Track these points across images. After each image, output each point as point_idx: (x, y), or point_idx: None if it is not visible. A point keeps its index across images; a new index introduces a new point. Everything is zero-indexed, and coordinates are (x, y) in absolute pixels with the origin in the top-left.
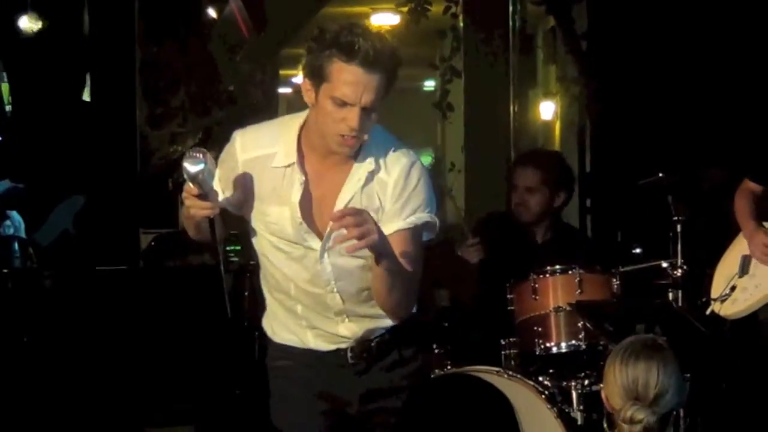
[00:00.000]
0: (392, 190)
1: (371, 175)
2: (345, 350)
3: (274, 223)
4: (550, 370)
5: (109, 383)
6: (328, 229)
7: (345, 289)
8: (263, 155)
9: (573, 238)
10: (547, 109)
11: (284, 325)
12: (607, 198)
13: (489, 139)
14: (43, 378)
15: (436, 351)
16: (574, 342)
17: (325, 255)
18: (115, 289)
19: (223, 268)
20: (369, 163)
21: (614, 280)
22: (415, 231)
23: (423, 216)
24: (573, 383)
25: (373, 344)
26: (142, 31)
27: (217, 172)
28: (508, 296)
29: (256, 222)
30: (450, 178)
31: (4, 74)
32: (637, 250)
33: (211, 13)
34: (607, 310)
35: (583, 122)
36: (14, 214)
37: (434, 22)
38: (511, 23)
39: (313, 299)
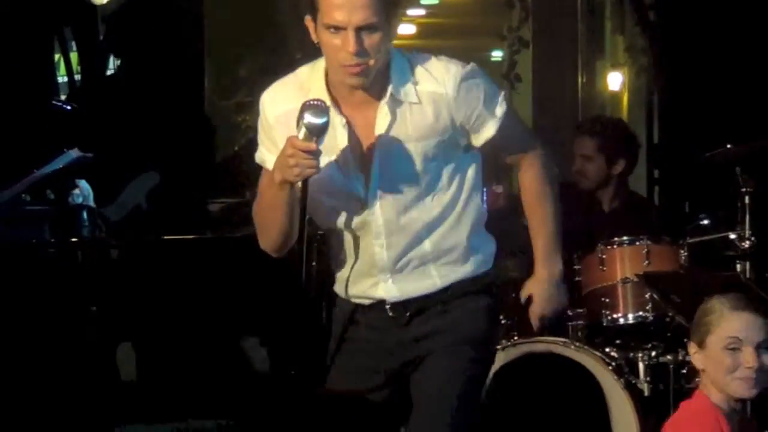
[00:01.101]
0: (461, 95)
1: (397, 100)
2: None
3: (321, 176)
4: (617, 342)
5: (170, 355)
6: (375, 170)
7: (396, 240)
8: (295, 107)
9: (641, 207)
10: (614, 80)
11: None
12: (675, 169)
13: (557, 110)
14: (109, 348)
15: (503, 322)
16: (641, 313)
17: (376, 202)
18: (183, 258)
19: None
20: (394, 91)
21: (682, 251)
22: (510, 113)
23: (503, 101)
24: (640, 355)
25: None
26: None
27: (266, 151)
28: (575, 267)
29: None
30: None
31: (73, 43)
32: (705, 222)
33: None
34: (674, 282)
35: (650, 93)
36: (83, 183)
37: None
38: None
39: (369, 253)
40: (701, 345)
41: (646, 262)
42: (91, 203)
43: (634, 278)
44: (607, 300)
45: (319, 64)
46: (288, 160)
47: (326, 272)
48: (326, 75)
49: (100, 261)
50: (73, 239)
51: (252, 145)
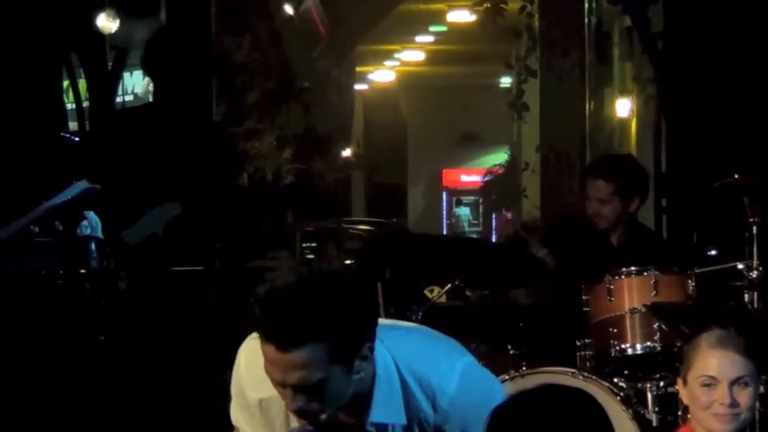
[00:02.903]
0: (455, 415)
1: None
2: None
3: None
4: (625, 372)
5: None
6: None
7: None
8: (268, 396)
9: (648, 240)
10: (623, 107)
11: None
12: (683, 198)
13: (564, 138)
14: (117, 377)
15: (512, 352)
16: (649, 343)
17: None
18: (192, 289)
19: None
20: (373, 414)
21: (690, 281)
22: None
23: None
24: (648, 385)
25: None
26: (218, 29)
27: (240, 415)
28: (584, 297)
29: None
30: (524, 178)
31: (81, 70)
32: (713, 252)
33: (288, 10)
34: (682, 312)
35: (658, 122)
36: (91, 214)
37: (510, 20)
38: (586, 21)
39: None
40: (684, 381)
41: (654, 292)
42: (99, 234)
43: (642, 308)
44: (615, 330)
45: None
46: None
47: None
48: None
49: (108, 291)
50: (81, 270)
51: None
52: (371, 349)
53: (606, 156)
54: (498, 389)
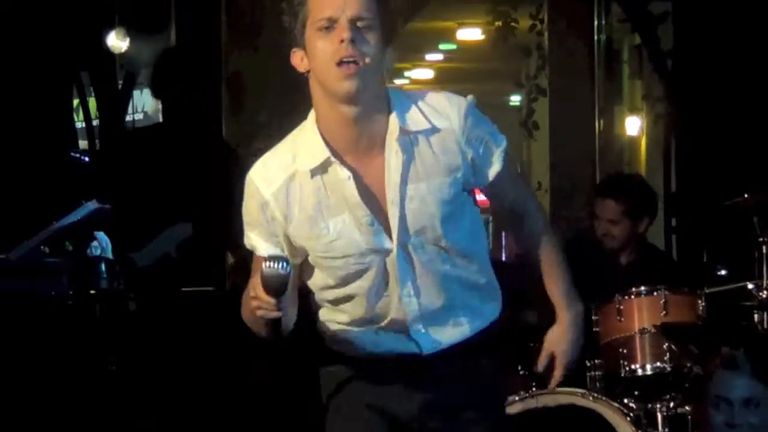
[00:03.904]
0: (468, 126)
1: (408, 134)
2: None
3: (334, 239)
4: (636, 392)
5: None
6: (395, 219)
7: (424, 288)
8: (290, 174)
9: (657, 259)
10: (632, 125)
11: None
12: (693, 218)
13: (575, 157)
14: (128, 400)
15: (521, 373)
16: (659, 364)
17: (401, 250)
18: (201, 310)
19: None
20: (400, 122)
21: (700, 301)
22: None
23: (504, 143)
24: (658, 405)
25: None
26: (229, 45)
27: (257, 236)
28: (593, 317)
29: (311, 256)
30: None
31: (91, 89)
32: (723, 272)
33: None
34: (692, 333)
35: (668, 141)
36: (101, 234)
37: (520, 38)
38: (596, 38)
39: (396, 307)
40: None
41: (664, 312)
42: (110, 255)
43: (652, 329)
44: (625, 351)
45: (307, 122)
46: (252, 302)
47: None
48: (319, 129)
49: (119, 313)
50: (92, 291)
51: None
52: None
53: (615, 176)
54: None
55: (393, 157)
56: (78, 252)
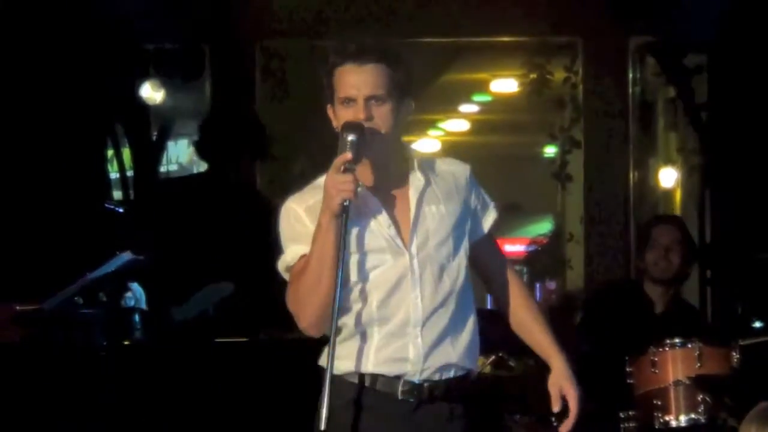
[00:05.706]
0: (471, 182)
1: (426, 171)
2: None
3: (354, 235)
4: None
5: None
6: (412, 224)
7: (426, 293)
8: (319, 198)
9: (690, 313)
10: (667, 177)
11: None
12: (727, 269)
13: (608, 209)
14: None
15: (555, 424)
16: (693, 416)
17: (414, 255)
18: (236, 361)
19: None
20: (417, 162)
21: (734, 353)
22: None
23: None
24: None
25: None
26: (262, 97)
27: (296, 244)
28: (627, 369)
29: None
30: (569, 250)
31: (125, 140)
32: (758, 324)
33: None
34: (727, 385)
35: (703, 193)
36: (135, 285)
37: (554, 90)
38: (630, 91)
39: (404, 309)
40: None
41: (698, 364)
42: (143, 306)
43: (687, 381)
44: (659, 402)
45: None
46: (336, 178)
47: None
48: None
49: (153, 365)
50: (126, 342)
51: None
52: (409, 110)
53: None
54: None
55: (415, 181)
56: (112, 303)
